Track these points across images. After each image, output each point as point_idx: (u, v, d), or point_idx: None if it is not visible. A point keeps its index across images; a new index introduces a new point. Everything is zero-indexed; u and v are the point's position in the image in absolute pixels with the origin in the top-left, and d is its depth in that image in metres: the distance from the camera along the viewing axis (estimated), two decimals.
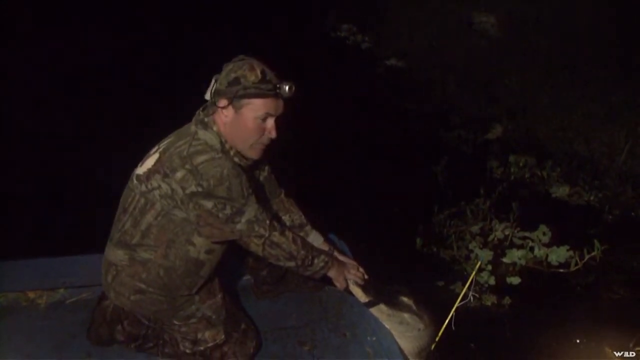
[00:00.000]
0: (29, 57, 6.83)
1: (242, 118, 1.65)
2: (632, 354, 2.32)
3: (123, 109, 5.12)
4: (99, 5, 9.57)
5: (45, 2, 8.93)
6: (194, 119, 1.73)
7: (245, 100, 1.64)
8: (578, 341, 2.50)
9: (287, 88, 1.64)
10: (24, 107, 5.25)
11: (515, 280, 2.97)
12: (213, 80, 1.70)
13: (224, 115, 1.67)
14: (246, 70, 1.64)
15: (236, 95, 1.63)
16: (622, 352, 2.35)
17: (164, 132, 1.78)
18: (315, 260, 1.81)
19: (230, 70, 1.66)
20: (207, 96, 1.71)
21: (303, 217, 2.12)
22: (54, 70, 6.30)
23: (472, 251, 3.21)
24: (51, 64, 6.50)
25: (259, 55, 1.72)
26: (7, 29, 7.59)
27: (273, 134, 1.70)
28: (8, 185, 3.68)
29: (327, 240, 2.14)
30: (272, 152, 1.81)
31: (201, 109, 1.74)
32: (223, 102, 1.66)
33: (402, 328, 1.99)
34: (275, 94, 1.64)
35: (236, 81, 1.63)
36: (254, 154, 1.73)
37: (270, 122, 1.68)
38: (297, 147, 3.40)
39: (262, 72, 1.64)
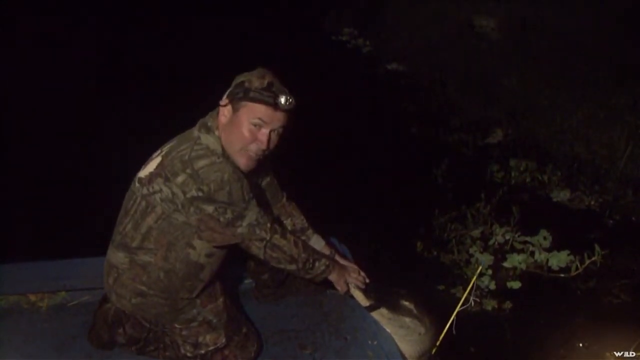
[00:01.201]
0: (29, 56, 6.84)
1: (237, 119, 1.65)
2: (632, 354, 2.32)
3: (126, 111, 5.13)
4: (100, 5, 9.59)
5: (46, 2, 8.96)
6: (198, 123, 1.74)
7: (243, 103, 1.64)
8: (581, 345, 2.49)
9: (282, 99, 1.63)
10: (25, 108, 5.25)
11: (515, 284, 2.97)
12: None
13: (223, 115, 1.69)
14: (254, 76, 1.66)
15: (236, 96, 1.65)
16: (621, 353, 2.34)
17: (167, 135, 1.79)
18: (317, 264, 1.82)
19: (242, 75, 1.68)
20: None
21: (305, 221, 2.12)
22: (55, 70, 6.32)
23: (472, 255, 3.21)
24: (52, 64, 6.51)
25: (263, 62, 1.73)
26: (8, 28, 7.61)
27: (263, 145, 1.67)
28: (9, 186, 3.68)
29: (328, 243, 2.14)
30: (274, 156, 1.81)
31: (209, 114, 1.75)
32: (224, 101, 1.68)
33: (403, 332, 2.00)
34: (273, 103, 1.63)
35: (241, 84, 1.65)
36: (242, 162, 1.69)
37: (264, 132, 1.66)
38: (298, 151, 3.40)
39: (269, 83, 1.64)
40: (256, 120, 1.64)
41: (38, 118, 5.00)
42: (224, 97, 1.70)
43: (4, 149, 4.28)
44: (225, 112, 1.68)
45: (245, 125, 1.65)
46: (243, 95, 1.64)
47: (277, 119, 1.67)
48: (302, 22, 10.12)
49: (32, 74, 6.22)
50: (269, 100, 1.62)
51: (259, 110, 1.64)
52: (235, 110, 1.66)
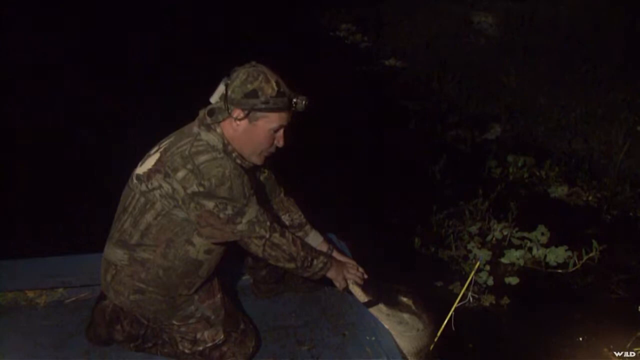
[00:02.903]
0: (30, 54, 6.83)
1: (256, 129, 1.67)
2: (632, 354, 2.33)
3: (123, 108, 5.12)
4: (99, 6, 9.58)
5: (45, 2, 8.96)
6: (196, 120, 1.73)
7: (262, 114, 1.65)
8: (579, 340, 2.50)
9: (303, 103, 1.68)
10: (24, 106, 5.24)
11: (513, 280, 2.98)
12: (222, 85, 1.67)
13: (236, 124, 1.67)
14: (262, 82, 1.63)
15: (253, 108, 1.64)
16: (621, 353, 2.35)
17: (165, 131, 1.78)
18: (315, 262, 1.82)
19: (246, 80, 1.64)
20: (213, 100, 1.70)
21: (302, 216, 2.12)
22: (54, 68, 6.30)
23: (470, 251, 3.22)
24: (51, 62, 6.49)
25: (261, 58, 1.73)
26: (9, 26, 7.60)
27: (281, 143, 1.73)
28: (8, 184, 3.68)
29: (326, 239, 2.14)
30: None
31: (206, 110, 1.70)
32: (238, 113, 1.65)
33: (401, 328, 2.00)
34: (289, 107, 1.67)
35: (254, 94, 1.62)
36: (259, 161, 1.76)
37: (281, 132, 1.71)
38: (296, 147, 3.40)
39: (277, 84, 1.65)
40: (277, 127, 1.69)
41: (37, 116, 4.99)
42: (234, 107, 1.64)
43: (3, 147, 4.27)
44: (238, 122, 1.66)
45: (266, 133, 1.68)
46: (264, 107, 1.64)
47: (291, 117, 1.72)
48: (300, 17, 10.10)
49: (31, 72, 6.20)
50: (286, 105, 1.66)
51: (279, 118, 1.67)
52: (252, 120, 1.66)
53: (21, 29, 7.88)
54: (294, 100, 1.67)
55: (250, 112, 1.65)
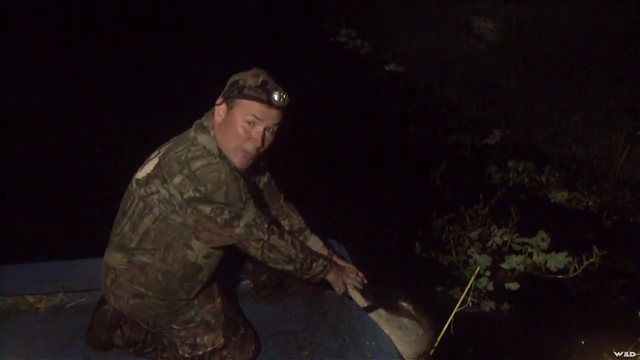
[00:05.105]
0: (31, 57, 6.85)
1: (231, 117, 1.65)
2: (632, 354, 2.32)
3: (124, 112, 5.13)
4: (100, 6, 9.61)
5: (46, 7, 9.00)
6: (194, 124, 1.74)
7: (237, 100, 1.64)
8: (579, 346, 2.50)
9: (275, 96, 1.63)
10: (24, 109, 5.25)
11: (514, 286, 2.97)
12: None
13: (218, 115, 1.69)
14: (249, 75, 1.66)
15: (231, 94, 1.65)
16: (621, 353, 2.34)
17: (165, 136, 1.79)
18: (314, 264, 1.82)
19: (237, 75, 1.69)
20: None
21: (302, 221, 2.12)
22: (55, 71, 6.32)
23: (470, 257, 3.21)
24: (53, 65, 6.51)
25: (262, 63, 1.74)
26: (11, 31, 7.63)
27: (258, 142, 1.66)
28: (8, 188, 3.68)
29: (326, 244, 2.14)
30: (272, 156, 1.81)
31: (205, 115, 1.75)
32: (219, 100, 1.69)
33: (401, 333, 2.00)
34: (267, 100, 1.63)
35: (236, 83, 1.66)
36: (237, 160, 1.69)
37: (258, 129, 1.66)
38: (297, 152, 3.41)
39: (264, 81, 1.65)
40: (250, 118, 1.64)
41: (37, 119, 5.00)
42: (219, 97, 1.70)
43: (3, 150, 4.28)
44: (220, 111, 1.69)
45: (240, 123, 1.65)
46: (237, 94, 1.64)
47: (272, 116, 1.67)
48: (301, 23, 10.13)
49: (33, 73, 6.22)
50: (262, 97, 1.63)
51: (253, 107, 1.64)
52: (229, 108, 1.66)
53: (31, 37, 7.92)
54: (271, 92, 1.63)
55: (228, 98, 1.66)
